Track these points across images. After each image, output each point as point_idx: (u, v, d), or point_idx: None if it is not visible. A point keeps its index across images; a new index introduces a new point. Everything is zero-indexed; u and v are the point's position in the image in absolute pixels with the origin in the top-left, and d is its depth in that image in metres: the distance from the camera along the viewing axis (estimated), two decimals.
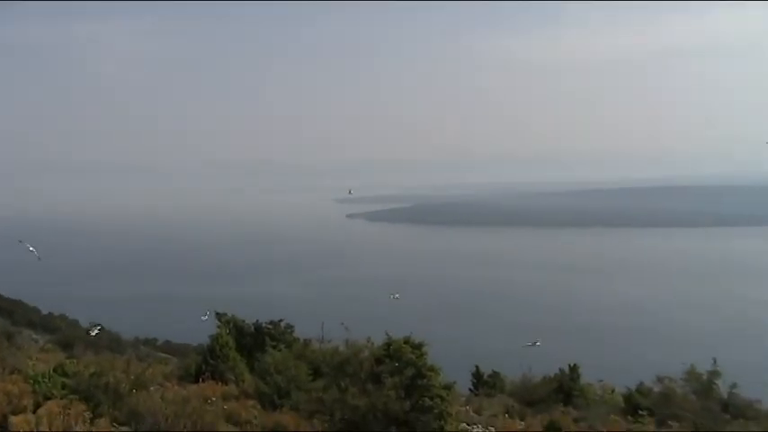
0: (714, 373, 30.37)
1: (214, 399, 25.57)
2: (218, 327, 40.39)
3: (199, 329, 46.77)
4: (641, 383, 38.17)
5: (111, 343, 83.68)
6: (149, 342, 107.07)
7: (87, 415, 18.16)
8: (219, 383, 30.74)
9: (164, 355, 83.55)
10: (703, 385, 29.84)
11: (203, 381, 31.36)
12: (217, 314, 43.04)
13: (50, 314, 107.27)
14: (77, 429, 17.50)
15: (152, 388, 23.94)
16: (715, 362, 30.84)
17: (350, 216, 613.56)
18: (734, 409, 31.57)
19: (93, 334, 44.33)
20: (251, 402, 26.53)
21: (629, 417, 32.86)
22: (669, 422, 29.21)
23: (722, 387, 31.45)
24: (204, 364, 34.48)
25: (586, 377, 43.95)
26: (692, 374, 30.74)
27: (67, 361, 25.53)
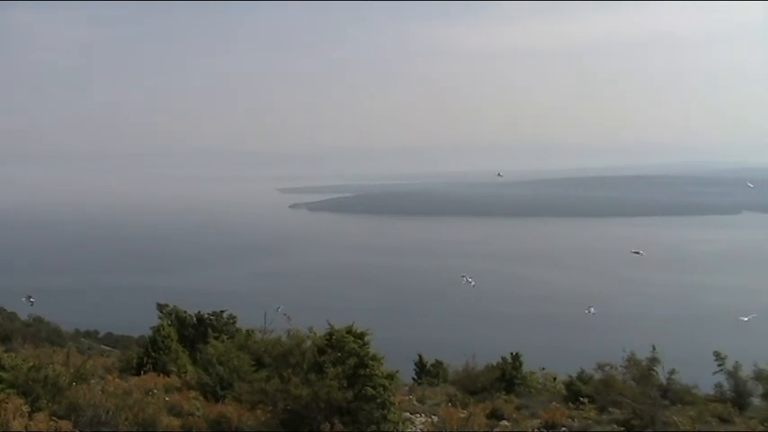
0: (653, 360, 30.78)
1: (156, 391, 25.41)
2: (160, 318, 40.15)
3: (141, 321, 46.47)
4: (582, 371, 38.56)
5: (50, 335, 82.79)
6: (90, 334, 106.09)
7: (25, 409, 17.93)
8: (161, 375, 30.58)
9: (105, 347, 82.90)
10: (643, 372, 30.22)
11: (145, 373, 31.17)
12: (158, 305, 42.75)
13: None
14: (15, 424, 17.28)
15: (93, 381, 23.68)
16: (654, 348, 31.25)
17: (293, 206, 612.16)
18: (672, 394, 32.05)
19: (30, 303, 43.49)
20: (193, 394, 26.42)
21: (571, 404, 33.19)
22: (609, 408, 29.56)
23: (661, 373, 31.88)
24: (146, 356, 34.25)
25: (529, 365, 44.32)
26: (632, 361, 31.12)
27: (5, 354, 25.17)
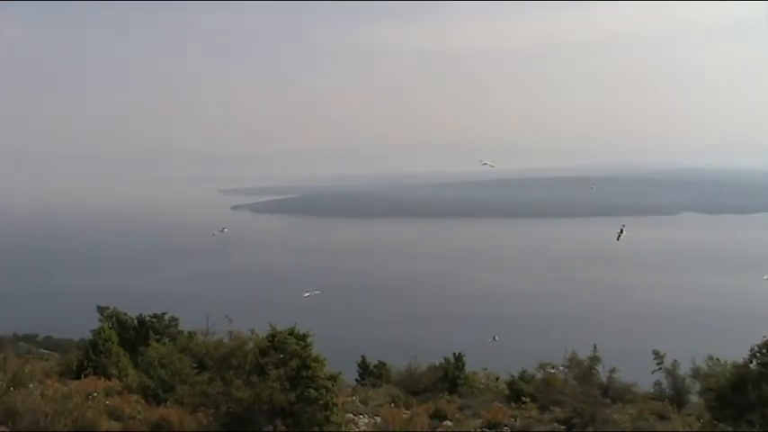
0: (594, 359, 31.00)
1: (96, 394, 25.12)
2: (101, 321, 39.75)
3: (81, 325, 45.92)
4: (524, 371, 38.86)
5: None
6: (29, 338, 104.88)
7: None
8: (102, 379, 30.28)
9: (45, 351, 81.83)
10: (584, 371, 30.44)
11: (85, 377, 30.82)
12: (99, 308, 42.31)
13: None
14: None
15: (31, 385, 23.41)
16: (595, 348, 31.52)
17: (235, 207, 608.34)
18: (613, 392, 32.39)
19: None
20: (135, 397, 26.20)
21: (513, 403, 33.43)
22: (551, 407, 29.79)
23: (602, 372, 32.19)
24: (86, 360, 33.91)
25: (471, 366, 44.53)
26: (573, 361, 31.33)
27: None
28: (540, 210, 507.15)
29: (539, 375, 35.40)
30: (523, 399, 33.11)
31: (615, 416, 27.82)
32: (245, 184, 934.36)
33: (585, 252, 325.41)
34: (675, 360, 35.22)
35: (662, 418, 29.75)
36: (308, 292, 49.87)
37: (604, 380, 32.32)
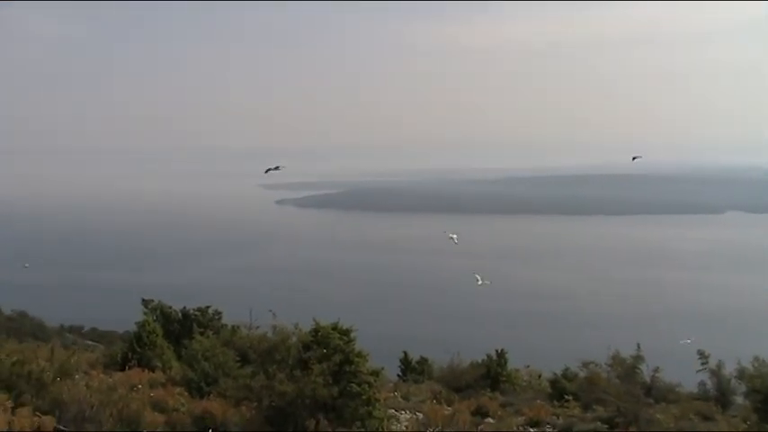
0: (637, 358, 30.75)
1: (140, 386, 25.34)
2: (145, 313, 40.02)
3: (126, 317, 46.27)
4: (567, 369, 38.64)
5: (34, 330, 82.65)
6: (75, 329, 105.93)
7: (9, 404, 17.88)
8: (146, 371, 30.45)
9: (90, 342, 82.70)
10: (627, 370, 30.21)
11: (130, 368, 31.03)
12: (143, 301, 42.60)
13: None
14: None
15: (77, 376, 23.63)
16: (639, 347, 31.26)
17: (279, 202, 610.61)
18: (656, 392, 32.13)
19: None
20: (178, 389, 26.32)
21: (555, 401, 33.27)
22: (594, 406, 29.61)
23: (645, 371, 31.93)
24: (131, 352, 34.09)
25: (513, 363, 44.30)
26: (616, 359, 31.09)
27: None
28: (584, 207, 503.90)
29: (582, 374, 35.11)
30: (566, 397, 32.96)
31: (659, 416, 27.58)
32: (288, 179, 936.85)
33: (630, 250, 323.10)
34: (720, 361, 34.86)
35: (706, 419, 29.46)
36: (479, 279, 49.19)
37: (648, 379, 32.07)
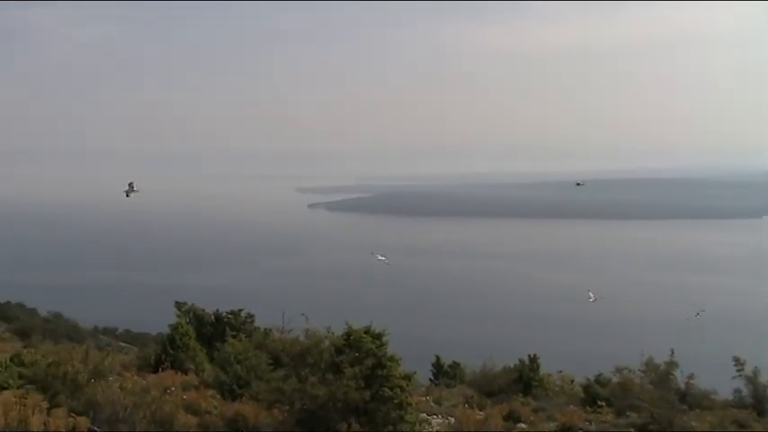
0: (671, 364, 30.54)
1: (173, 388, 25.45)
2: (178, 316, 40.20)
3: (159, 319, 46.53)
4: (600, 374, 38.43)
5: (69, 332, 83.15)
6: (109, 331, 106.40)
7: (44, 405, 18.03)
8: (179, 373, 30.59)
9: (123, 344, 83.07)
10: (661, 376, 30.01)
11: (163, 370, 31.19)
12: (176, 303, 42.79)
13: (8, 303, 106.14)
14: (34, 420, 17.36)
15: (111, 378, 23.80)
16: (672, 352, 31.03)
17: (312, 206, 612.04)
18: (691, 399, 31.84)
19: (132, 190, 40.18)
20: (211, 392, 26.46)
21: (588, 407, 33.08)
22: (627, 412, 29.45)
23: (680, 377, 31.69)
24: (164, 354, 34.28)
25: (546, 367, 44.11)
26: (649, 365, 30.88)
27: (24, 350, 25.35)
28: (614, 211, 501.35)
29: (615, 379, 34.94)
30: (599, 402, 32.74)
31: (693, 423, 27.39)
32: (321, 182, 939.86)
33: (665, 255, 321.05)
34: (756, 368, 34.49)
35: (742, 426, 29.17)
36: (591, 296, 48.37)
37: (682, 386, 31.82)
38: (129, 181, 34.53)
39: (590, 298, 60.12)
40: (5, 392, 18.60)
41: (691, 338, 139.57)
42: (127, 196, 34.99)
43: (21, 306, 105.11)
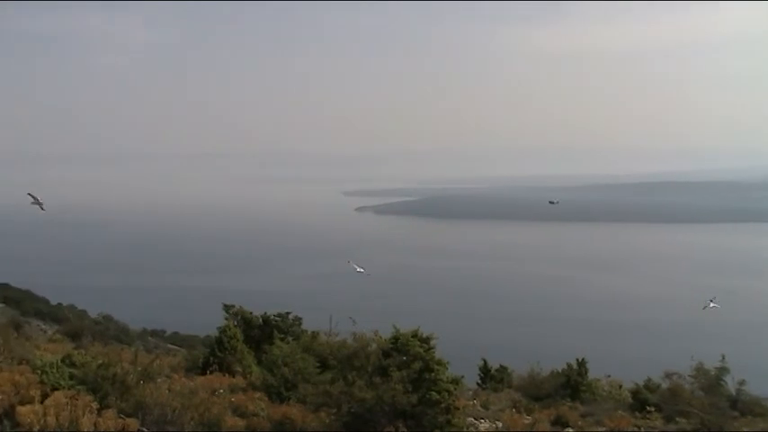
0: (722, 370, 30.23)
1: (221, 391, 25.62)
2: (226, 318, 40.43)
3: (207, 321, 46.82)
4: (649, 379, 38.08)
5: (118, 334, 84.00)
6: (157, 333, 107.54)
7: (94, 406, 18.16)
8: (227, 375, 30.77)
9: (171, 346, 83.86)
10: (711, 381, 29.71)
11: (210, 373, 31.40)
12: (224, 306, 43.02)
13: (59, 304, 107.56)
14: (84, 420, 17.53)
15: (159, 379, 23.96)
16: (723, 358, 30.71)
17: (359, 209, 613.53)
18: (742, 405, 31.45)
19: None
20: (258, 395, 26.53)
21: (637, 413, 32.79)
22: (677, 418, 29.15)
23: (731, 383, 31.34)
24: (212, 356, 34.48)
25: (594, 372, 43.82)
26: (700, 370, 30.59)
27: (75, 351, 25.55)
28: (663, 215, 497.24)
29: (664, 384, 34.63)
30: (648, 408, 32.44)
31: (745, 429, 27.06)
32: (365, 185, 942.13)
33: (714, 259, 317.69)
34: None
35: None
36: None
37: (733, 392, 31.47)
38: (28, 192, 34.48)
39: (711, 305, 59.12)
40: (57, 393, 18.75)
41: (744, 344, 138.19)
42: (42, 209, 35.06)
43: (71, 308, 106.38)
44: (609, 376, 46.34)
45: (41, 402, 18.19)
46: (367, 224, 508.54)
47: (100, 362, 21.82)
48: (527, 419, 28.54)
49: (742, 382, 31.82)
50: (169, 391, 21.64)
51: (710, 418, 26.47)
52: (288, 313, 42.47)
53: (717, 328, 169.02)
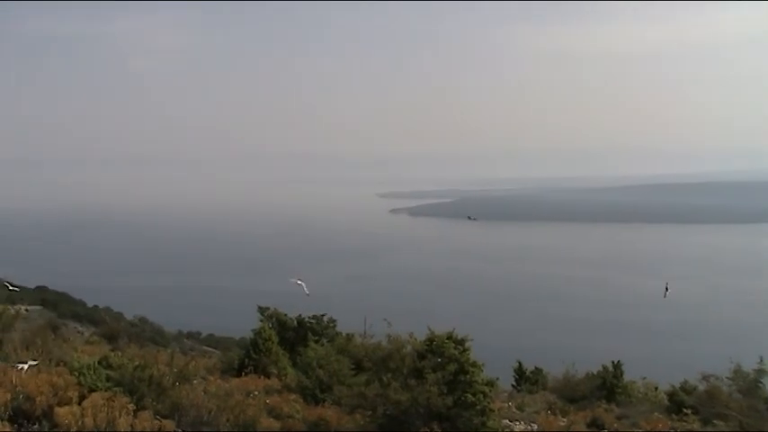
0: (760, 372, 29.87)
1: (256, 393, 25.68)
2: (261, 321, 40.58)
3: (242, 323, 46.96)
4: (685, 381, 37.73)
5: (154, 336, 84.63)
6: (192, 335, 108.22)
7: (131, 407, 18.27)
8: (262, 377, 30.91)
9: (207, 348, 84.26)
10: (749, 384, 29.37)
11: (246, 375, 31.54)
12: (259, 308, 43.17)
13: (95, 306, 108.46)
14: (121, 421, 17.64)
15: (195, 381, 24.06)
16: (761, 360, 30.37)
17: (393, 211, 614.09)
18: None
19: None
20: (293, 396, 26.60)
21: (673, 415, 32.50)
22: (714, 421, 28.87)
23: None
24: (247, 358, 34.64)
25: (629, 374, 43.58)
26: (737, 373, 30.25)
27: (112, 353, 25.75)
28: (699, 215, 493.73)
29: (701, 387, 34.32)
30: (684, 410, 32.17)
31: None
32: (398, 187, 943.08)
33: (751, 260, 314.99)
34: None
35: None
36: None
37: None
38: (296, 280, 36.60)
39: (668, 292, 58.94)
40: (94, 394, 18.89)
41: None
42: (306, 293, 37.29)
43: (107, 310, 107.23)
44: (645, 378, 46.05)
45: (79, 404, 18.34)
46: (401, 226, 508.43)
47: (136, 364, 21.97)
48: (562, 421, 28.43)
49: None
50: (205, 392, 21.75)
51: (749, 420, 26.20)
52: (322, 315, 42.63)
53: (754, 330, 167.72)
